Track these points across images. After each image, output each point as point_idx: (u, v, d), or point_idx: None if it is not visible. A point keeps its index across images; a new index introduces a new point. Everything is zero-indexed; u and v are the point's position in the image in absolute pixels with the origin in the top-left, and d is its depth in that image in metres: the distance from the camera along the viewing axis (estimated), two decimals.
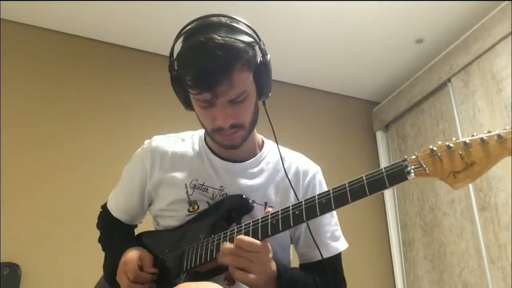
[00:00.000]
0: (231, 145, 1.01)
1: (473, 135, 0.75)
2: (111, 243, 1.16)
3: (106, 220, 1.21)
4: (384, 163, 3.08)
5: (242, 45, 0.91)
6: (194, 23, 0.95)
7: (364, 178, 0.82)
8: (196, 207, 1.04)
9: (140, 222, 1.23)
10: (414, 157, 0.79)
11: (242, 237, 0.87)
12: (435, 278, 2.51)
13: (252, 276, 0.86)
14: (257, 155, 1.10)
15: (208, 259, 0.93)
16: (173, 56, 0.99)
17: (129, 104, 2.61)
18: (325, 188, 1.12)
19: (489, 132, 0.74)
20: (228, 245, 0.88)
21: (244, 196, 1.01)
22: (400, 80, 3.05)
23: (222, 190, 1.04)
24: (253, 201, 1.02)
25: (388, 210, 2.97)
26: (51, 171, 2.29)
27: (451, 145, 0.76)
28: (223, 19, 0.94)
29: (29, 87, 2.43)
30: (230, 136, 0.98)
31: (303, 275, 1.01)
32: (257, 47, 0.97)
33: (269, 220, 0.89)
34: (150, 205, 1.15)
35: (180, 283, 0.83)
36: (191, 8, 2.32)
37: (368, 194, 0.80)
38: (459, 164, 0.74)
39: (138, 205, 1.14)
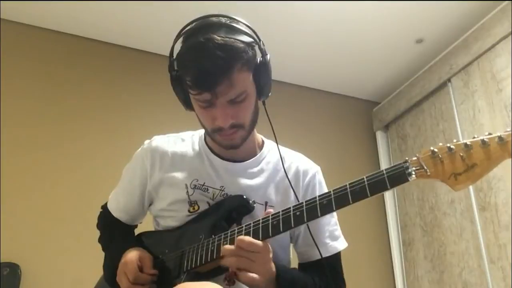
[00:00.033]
0: (231, 145, 1.01)
1: (474, 137, 0.75)
2: (111, 243, 1.16)
3: (106, 220, 1.21)
4: (384, 163, 3.08)
5: (241, 45, 0.91)
6: (194, 23, 0.95)
7: (365, 179, 0.82)
8: (196, 207, 1.04)
9: (140, 222, 1.23)
10: (415, 158, 0.79)
11: (242, 237, 0.87)
12: (435, 278, 2.51)
13: (255, 276, 0.86)
14: (257, 155, 1.10)
15: (209, 260, 0.93)
16: (173, 56, 0.99)
17: (129, 104, 2.61)
18: (325, 188, 1.12)
19: (490, 134, 0.74)
20: (228, 246, 0.88)
21: (244, 197, 1.01)
22: (400, 80, 3.04)
23: (222, 190, 1.04)
24: (254, 202, 1.02)
25: (388, 210, 2.97)
26: (51, 171, 2.29)
27: (452, 146, 0.76)
28: (223, 19, 0.94)
29: (29, 87, 2.43)
30: (230, 136, 0.98)
31: (302, 275, 1.01)
32: (256, 47, 0.97)
33: (270, 221, 0.89)
34: (150, 205, 1.15)
35: (180, 283, 0.83)
36: (191, 8, 2.32)
37: (369, 195, 0.80)
38: (460, 166, 0.74)
39: (138, 205, 1.14)
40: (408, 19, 2.55)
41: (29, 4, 2.39)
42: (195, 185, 1.05)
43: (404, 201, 2.87)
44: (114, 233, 1.18)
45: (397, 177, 0.79)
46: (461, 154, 0.75)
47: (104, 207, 1.22)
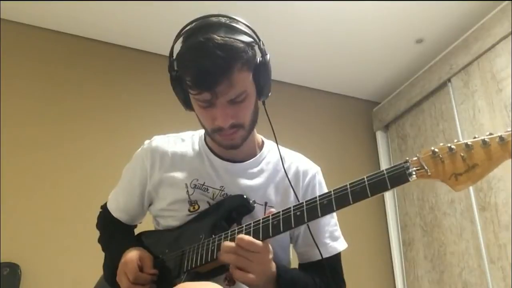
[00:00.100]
0: (231, 145, 1.01)
1: (474, 137, 0.75)
2: (111, 243, 1.16)
3: (106, 220, 1.21)
4: (384, 163, 3.08)
5: (241, 45, 0.91)
6: (194, 23, 0.95)
7: (365, 179, 0.82)
8: (196, 207, 1.04)
9: (140, 222, 1.23)
10: (415, 158, 0.79)
11: (242, 236, 0.87)
12: (435, 278, 2.51)
13: (251, 276, 0.86)
14: (257, 155, 1.10)
15: (209, 260, 0.93)
16: (172, 56, 0.99)
17: (129, 104, 2.61)
18: (325, 189, 1.12)
19: (490, 134, 0.73)
20: (228, 243, 0.88)
21: (245, 197, 1.01)
22: (400, 80, 3.04)
23: (222, 190, 1.04)
24: (254, 202, 1.01)
25: (388, 210, 2.97)
26: (51, 171, 2.29)
27: (452, 146, 0.76)
28: (223, 19, 0.94)
29: (29, 87, 2.43)
30: (230, 136, 0.98)
31: (303, 276, 1.01)
32: (256, 47, 0.97)
33: (270, 221, 0.89)
34: (150, 205, 1.15)
35: (180, 283, 0.83)
36: (191, 8, 2.32)
37: (369, 195, 0.80)
38: (461, 166, 0.74)
39: (138, 205, 1.14)
40: (408, 19, 2.54)
41: (29, 4, 2.39)
42: (195, 185, 1.05)
43: (404, 201, 2.87)
44: (114, 233, 1.18)
45: (398, 177, 0.79)
46: (462, 154, 0.74)
47: (104, 207, 1.22)
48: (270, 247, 0.90)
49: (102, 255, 1.15)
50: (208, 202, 1.04)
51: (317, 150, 2.19)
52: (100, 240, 1.21)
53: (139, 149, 1.16)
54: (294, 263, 1.13)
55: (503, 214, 2.13)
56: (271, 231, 0.88)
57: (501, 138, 0.71)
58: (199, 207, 1.04)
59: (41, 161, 2.29)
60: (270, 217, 0.90)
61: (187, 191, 1.05)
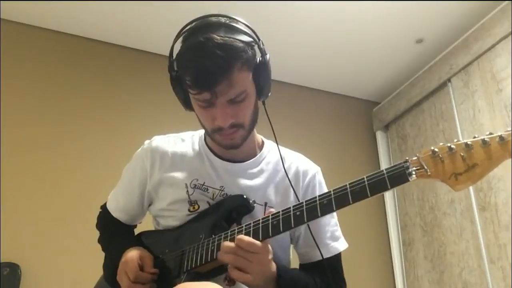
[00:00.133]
0: (231, 145, 1.01)
1: (474, 137, 0.75)
2: (111, 243, 1.16)
3: (105, 221, 1.21)
4: (384, 163, 3.08)
5: (241, 44, 0.91)
6: (194, 23, 0.95)
7: (365, 179, 0.82)
8: (196, 207, 1.04)
9: (140, 222, 1.23)
10: (415, 158, 0.79)
11: (242, 236, 0.87)
12: (435, 278, 2.51)
13: (249, 276, 0.86)
14: (257, 156, 1.10)
15: (209, 259, 0.93)
16: (172, 56, 0.99)
17: (129, 104, 2.61)
18: (325, 189, 1.12)
19: (490, 133, 0.73)
20: (228, 243, 0.88)
21: (245, 197, 1.01)
22: (400, 80, 3.04)
23: (222, 190, 1.04)
24: (254, 202, 1.01)
25: (388, 210, 2.97)
26: (51, 171, 2.29)
27: (452, 146, 0.75)
28: (222, 19, 0.94)
29: (29, 87, 2.43)
30: (230, 136, 0.98)
31: (303, 276, 1.01)
32: (256, 47, 0.97)
33: (270, 221, 0.89)
34: (150, 205, 1.15)
35: (180, 283, 0.83)
36: (191, 8, 2.32)
37: (369, 195, 0.80)
38: (461, 166, 0.74)
39: (138, 205, 1.14)
40: (408, 19, 2.54)
41: (29, 4, 2.39)
42: (195, 185, 1.05)
43: (404, 201, 2.87)
44: (114, 233, 1.18)
45: (398, 177, 0.78)
46: (462, 154, 0.74)
47: (104, 207, 1.22)
48: (270, 248, 0.90)
49: (102, 255, 1.15)
50: (208, 202, 1.04)
51: (317, 150, 2.19)
52: (100, 240, 1.21)
53: (139, 149, 1.16)
54: (294, 263, 1.13)
55: (503, 214, 2.13)
56: (270, 231, 0.88)
57: (501, 137, 0.71)
58: (199, 207, 1.04)
59: (41, 161, 2.29)
60: (270, 217, 0.90)
61: (187, 191, 1.05)
